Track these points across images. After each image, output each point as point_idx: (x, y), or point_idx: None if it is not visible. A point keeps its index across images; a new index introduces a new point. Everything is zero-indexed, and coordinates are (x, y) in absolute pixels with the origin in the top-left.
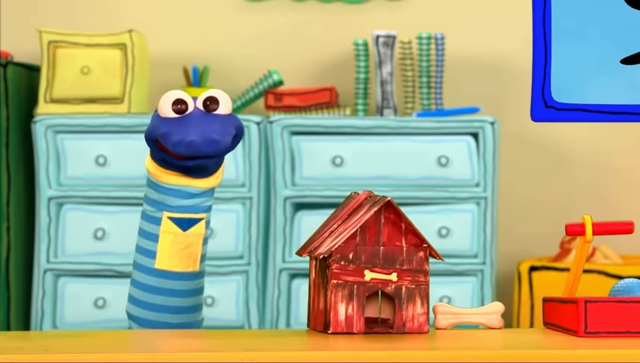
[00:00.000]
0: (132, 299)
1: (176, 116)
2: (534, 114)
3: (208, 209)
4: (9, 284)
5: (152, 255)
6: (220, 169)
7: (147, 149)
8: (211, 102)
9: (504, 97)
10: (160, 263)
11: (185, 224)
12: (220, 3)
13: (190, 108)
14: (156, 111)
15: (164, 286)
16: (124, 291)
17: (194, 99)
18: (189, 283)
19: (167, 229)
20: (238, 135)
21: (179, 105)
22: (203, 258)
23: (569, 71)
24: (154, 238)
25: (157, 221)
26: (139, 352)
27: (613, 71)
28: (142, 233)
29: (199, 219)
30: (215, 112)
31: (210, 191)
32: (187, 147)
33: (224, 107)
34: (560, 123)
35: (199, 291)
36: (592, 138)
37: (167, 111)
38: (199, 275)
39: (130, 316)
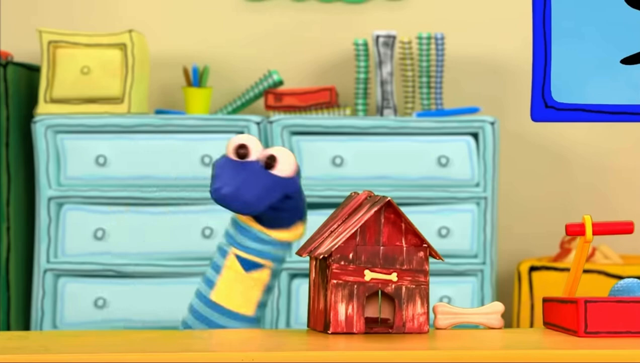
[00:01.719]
0: (183, 322)
1: (235, 159)
2: (534, 114)
3: (276, 259)
4: (9, 284)
5: (211, 285)
6: (301, 225)
7: (146, 149)
8: (271, 160)
9: (504, 97)
10: (216, 296)
11: (248, 265)
12: (220, 3)
13: (252, 157)
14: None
15: (214, 319)
16: (123, 291)
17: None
18: (237, 324)
19: (231, 265)
20: (291, 198)
21: (241, 149)
22: (262, 305)
23: (569, 71)
24: (218, 269)
25: (225, 255)
26: (139, 352)
27: (613, 71)
28: (211, 262)
29: (263, 266)
30: (272, 171)
31: (282, 244)
32: (220, 198)
33: (282, 168)
34: (560, 123)
35: None
36: (592, 138)
37: (230, 151)
38: (252, 320)
39: None
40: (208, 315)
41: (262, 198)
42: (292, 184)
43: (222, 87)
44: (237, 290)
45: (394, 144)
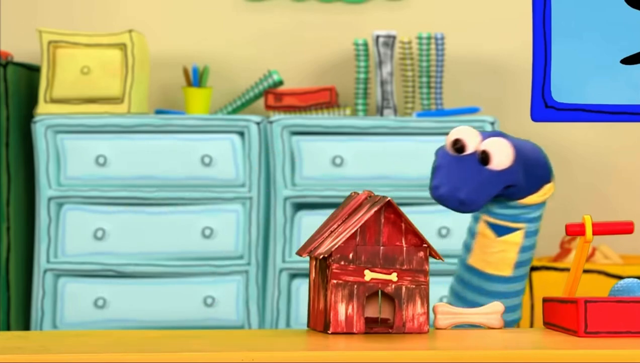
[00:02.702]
0: (450, 288)
1: (454, 154)
2: (534, 114)
3: (531, 220)
4: (9, 284)
5: (468, 249)
6: (549, 187)
7: (146, 149)
8: (485, 156)
9: (504, 97)
10: (473, 260)
11: (500, 230)
12: (220, 3)
13: (469, 150)
14: None
15: (473, 282)
16: (124, 291)
17: (483, 135)
18: (496, 285)
19: (482, 231)
20: (514, 186)
21: (456, 145)
22: (520, 264)
23: (569, 71)
24: (473, 235)
25: (477, 221)
26: (139, 352)
27: (613, 71)
28: (468, 229)
29: (516, 229)
30: (488, 166)
31: (532, 206)
32: (437, 197)
33: (497, 162)
34: (560, 123)
35: (509, 294)
36: (592, 138)
37: (447, 146)
38: (510, 280)
39: None
40: (466, 278)
41: (478, 196)
42: (511, 174)
43: (222, 87)
44: (491, 253)
45: (394, 144)
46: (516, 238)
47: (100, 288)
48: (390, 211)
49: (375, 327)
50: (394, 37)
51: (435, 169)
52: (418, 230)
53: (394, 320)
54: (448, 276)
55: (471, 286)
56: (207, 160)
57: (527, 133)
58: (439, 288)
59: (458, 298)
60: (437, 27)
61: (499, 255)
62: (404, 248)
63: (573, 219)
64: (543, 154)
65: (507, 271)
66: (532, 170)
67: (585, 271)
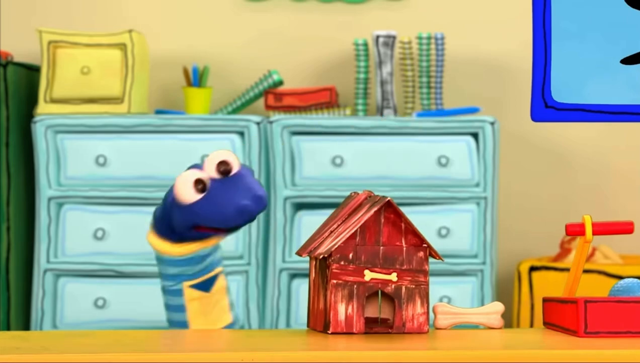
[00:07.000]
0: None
1: (200, 194)
2: (534, 114)
3: (220, 260)
4: (9, 284)
5: (185, 324)
6: None
7: (146, 149)
8: (225, 166)
9: (504, 97)
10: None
11: (207, 285)
12: (220, 3)
13: (208, 183)
14: (172, 203)
15: None
16: (123, 291)
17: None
18: None
19: (192, 297)
20: None
21: (200, 184)
22: (233, 305)
23: (569, 71)
24: (182, 309)
25: (180, 294)
26: (139, 352)
27: (613, 71)
28: (171, 307)
29: (217, 275)
30: (233, 173)
31: (216, 246)
32: (245, 213)
33: (237, 165)
34: (560, 123)
35: None
36: (592, 138)
37: (190, 195)
38: (233, 325)
39: None
40: None
41: (262, 187)
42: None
43: (222, 87)
44: (210, 312)
45: (394, 144)
46: (221, 283)
47: (100, 288)
48: (390, 211)
49: (375, 327)
50: (394, 37)
51: (210, 212)
52: (418, 230)
53: (393, 320)
54: (448, 276)
55: None
56: None
57: (527, 133)
58: (439, 288)
59: None
60: (437, 27)
61: (216, 307)
62: (404, 248)
63: (573, 219)
64: None
65: (228, 318)
66: None
67: (585, 271)
